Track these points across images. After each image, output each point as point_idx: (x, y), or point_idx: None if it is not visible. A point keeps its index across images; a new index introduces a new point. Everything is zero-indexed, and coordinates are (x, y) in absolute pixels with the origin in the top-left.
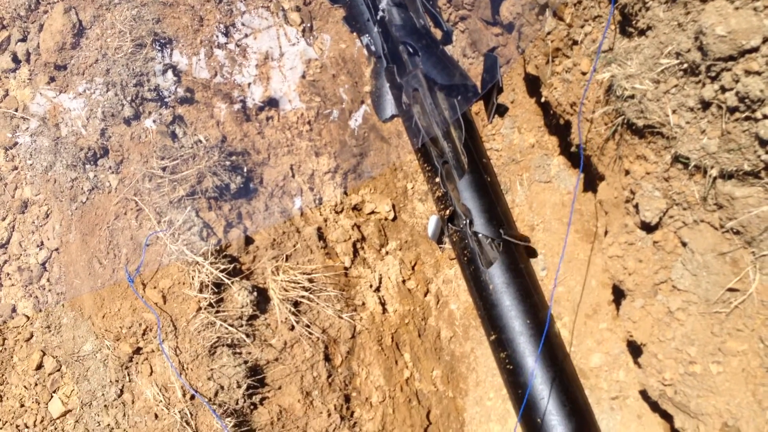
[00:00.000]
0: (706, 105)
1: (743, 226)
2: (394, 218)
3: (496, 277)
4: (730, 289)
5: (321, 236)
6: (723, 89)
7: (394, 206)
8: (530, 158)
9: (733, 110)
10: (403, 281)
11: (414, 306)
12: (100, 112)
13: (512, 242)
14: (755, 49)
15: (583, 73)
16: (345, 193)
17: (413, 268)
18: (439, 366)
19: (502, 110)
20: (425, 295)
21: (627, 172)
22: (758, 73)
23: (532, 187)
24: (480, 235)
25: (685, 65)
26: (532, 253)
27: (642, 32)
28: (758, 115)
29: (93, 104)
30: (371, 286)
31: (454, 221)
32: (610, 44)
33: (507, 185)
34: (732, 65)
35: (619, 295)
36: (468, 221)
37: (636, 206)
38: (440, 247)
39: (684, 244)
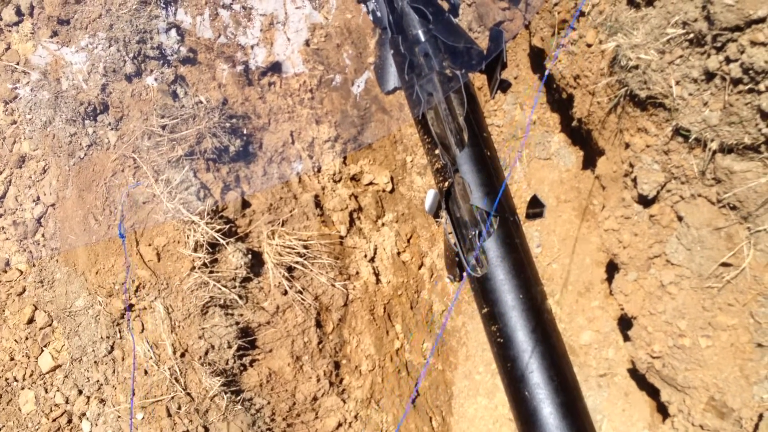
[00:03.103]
0: (710, 76)
1: (740, 201)
2: (392, 190)
3: (491, 250)
4: (724, 264)
5: (318, 204)
6: (728, 60)
7: (392, 178)
8: (531, 135)
9: (736, 82)
10: (398, 253)
11: (408, 278)
12: (102, 68)
13: (507, 216)
14: (762, 20)
15: (589, 45)
16: (344, 162)
17: (409, 240)
18: (430, 338)
19: (504, 86)
20: (419, 268)
21: (627, 146)
22: (764, 44)
23: (531, 163)
24: (476, 208)
25: (692, 35)
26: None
27: (650, 1)
28: (761, 87)
29: (95, 59)
30: (366, 256)
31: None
32: (617, 14)
33: (506, 161)
34: (738, 36)
35: (612, 272)
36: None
37: (634, 180)
38: (437, 221)
39: (680, 219)
